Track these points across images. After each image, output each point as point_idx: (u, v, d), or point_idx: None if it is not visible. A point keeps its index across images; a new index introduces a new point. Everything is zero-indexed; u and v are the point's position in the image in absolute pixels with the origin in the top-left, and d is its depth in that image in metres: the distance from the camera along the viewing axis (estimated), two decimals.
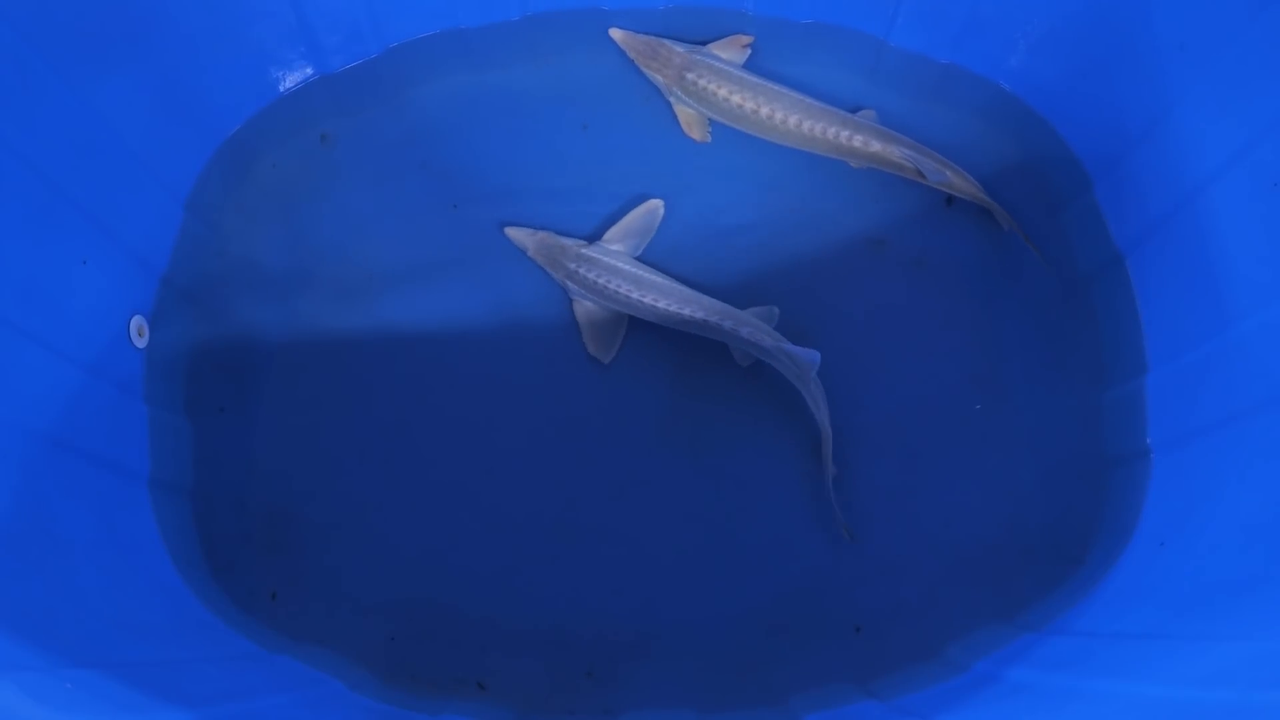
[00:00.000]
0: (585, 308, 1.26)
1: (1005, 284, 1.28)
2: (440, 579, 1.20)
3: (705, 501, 1.22)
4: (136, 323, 1.18)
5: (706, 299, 1.22)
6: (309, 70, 1.32)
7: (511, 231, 1.28)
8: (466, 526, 1.22)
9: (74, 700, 0.78)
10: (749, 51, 1.32)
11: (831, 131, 1.26)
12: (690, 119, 1.32)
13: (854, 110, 1.29)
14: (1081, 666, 0.97)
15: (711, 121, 1.32)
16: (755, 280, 1.28)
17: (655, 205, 1.28)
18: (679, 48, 1.29)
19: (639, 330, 1.26)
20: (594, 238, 1.28)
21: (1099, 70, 1.20)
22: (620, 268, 1.23)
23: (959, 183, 1.27)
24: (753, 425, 1.24)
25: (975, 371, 1.25)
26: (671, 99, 1.32)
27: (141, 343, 1.18)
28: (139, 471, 1.14)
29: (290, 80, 1.32)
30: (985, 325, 1.27)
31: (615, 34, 1.31)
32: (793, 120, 1.26)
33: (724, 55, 1.31)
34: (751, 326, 1.20)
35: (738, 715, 1.13)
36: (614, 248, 1.26)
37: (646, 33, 1.31)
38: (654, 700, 1.15)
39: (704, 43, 1.32)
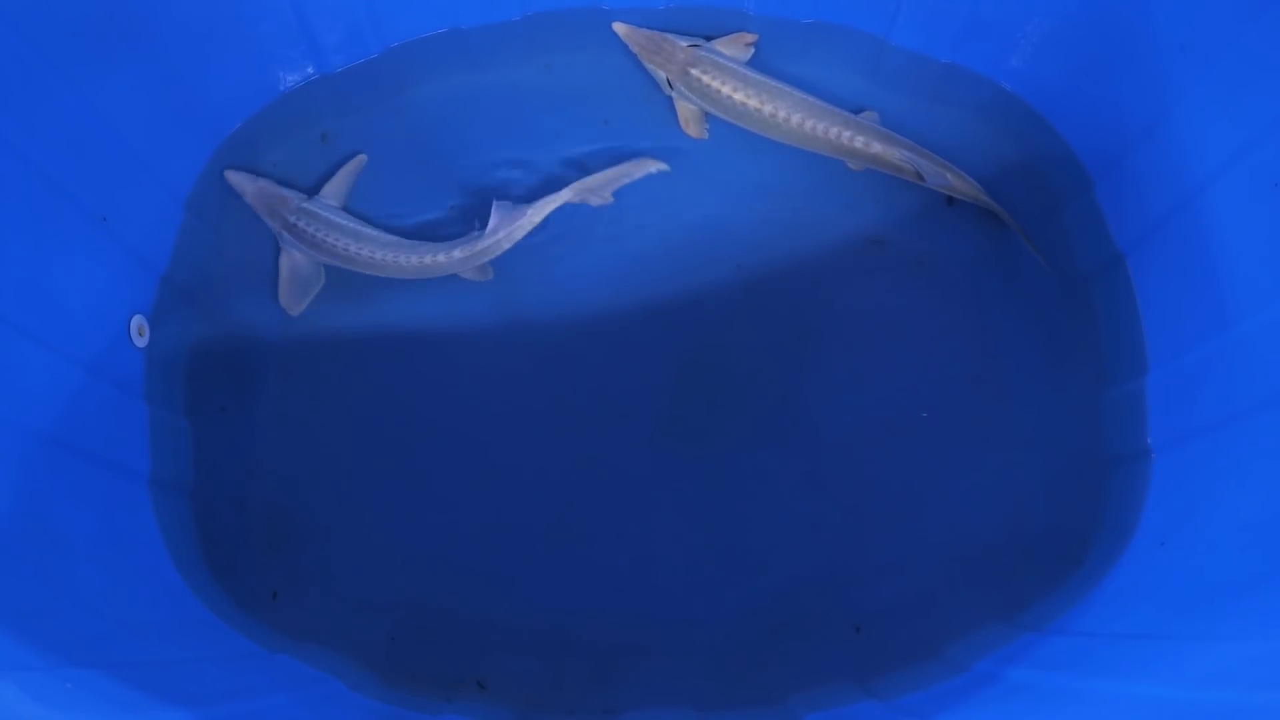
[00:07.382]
0: (293, 259, 1.27)
1: (1005, 284, 1.28)
2: (440, 579, 1.20)
3: (705, 501, 1.22)
4: (137, 322, 1.18)
5: (420, 243, 1.25)
6: (309, 69, 1.32)
7: (231, 175, 1.28)
8: (466, 526, 1.22)
9: (74, 700, 0.78)
10: (752, 50, 1.32)
11: (833, 131, 1.26)
12: (689, 116, 1.32)
13: (856, 112, 1.29)
14: (1081, 666, 0.97)
15: (710, 121, 1.32)
16: (755, 280, 1.28)
17: (359, 159, 1.31)
18: (682, 43, 1.29)
19: (640, 330, 1.26)
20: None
21: (1099, 70, 1.20)
22: (340, 223, 1.25)
23: (959, 185, 1.27)
24: (752, 425, 1.24)
25: (975, 372, 1.25)
26: (673, 94, 1.31)
27: (142, 342, 1.18)
28: (139, 471, 1.14)
29: (290, 79, 1.32)
30: (985, 325, 1.27)
31: (619, 28, 1.31)
32: (795, 119, 1.26)
33: (727, 52, 1.31)
34: (463, 241, 1.23)
35: (738, 715, 1.13)
36: (330, 203, 1.28)
37: (649, 29, 1.31)
38: (654, 700, 1.15)
39: (707, 39, 1.32)
